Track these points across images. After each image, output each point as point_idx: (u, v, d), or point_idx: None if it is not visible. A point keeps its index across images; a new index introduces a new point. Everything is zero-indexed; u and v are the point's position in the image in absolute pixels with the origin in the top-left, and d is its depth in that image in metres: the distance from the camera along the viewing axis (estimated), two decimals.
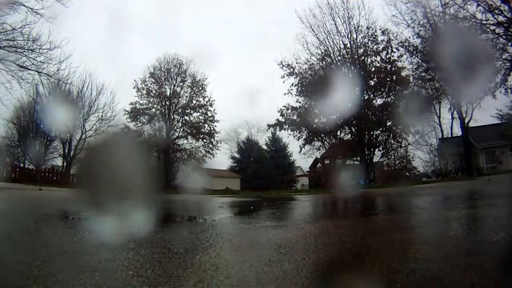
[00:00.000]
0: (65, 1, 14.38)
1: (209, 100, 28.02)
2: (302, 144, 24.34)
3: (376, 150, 23.01)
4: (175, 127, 27.58)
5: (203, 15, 56.90)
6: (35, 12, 13.83)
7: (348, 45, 22.58)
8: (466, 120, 20.45)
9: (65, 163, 23.58)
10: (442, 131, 26.67)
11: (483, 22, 17.80)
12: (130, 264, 1.97)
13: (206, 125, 27.97)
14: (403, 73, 21.97)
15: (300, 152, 25.58)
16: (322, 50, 22.89)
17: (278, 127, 24.16)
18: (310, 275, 1.79)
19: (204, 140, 27.86)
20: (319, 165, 27.28)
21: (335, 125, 21.36)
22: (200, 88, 28.00)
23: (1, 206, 5.52)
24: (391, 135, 22.70)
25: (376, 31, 22.20)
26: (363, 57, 22.25)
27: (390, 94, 22.12)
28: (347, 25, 22.48)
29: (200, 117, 27.92)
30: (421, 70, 21.55)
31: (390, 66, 21.89)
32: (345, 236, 2.79)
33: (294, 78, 23.25)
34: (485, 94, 19.46)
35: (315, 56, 23.06)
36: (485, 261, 1.85)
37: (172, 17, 54.52)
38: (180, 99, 27.58)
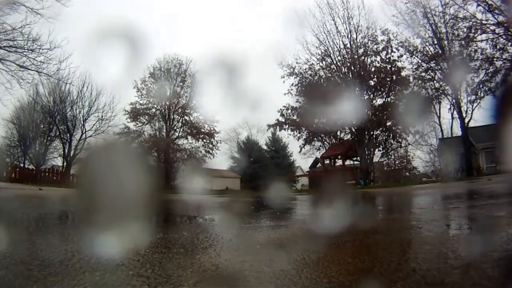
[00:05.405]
0: (65, 1, 14.40)
1: None
2: (302, 144, 24.37)
3: (376, 150, 23.02)
4: (175, 127, 27.56)
5: (203, 15, 56.82)
6: (35, 12, 13.86)
7: (348, 45, 22.57)
8: (466, 120, 20.44)
9: (65, 163, 23.57)
10: (442, 131, 26.64)
11: (483, 22, 17.83)
12: (130, 264, 1.97)
13: (206, 125, 27.94)
14: (403, 73, 22.00)
15: (300, 152, 25.62)
16: (322, 50, 22.89)
17: (278, 127, 24.18)
18: (310, 275, 1.79)
19: (204, 140, 27.82)
20: (319, 165, 27.27)
21: (335, 125, 21.37)
22: (200, 88, 27.97)
23: (1, 206, 5.51)
24: (391, 135, 22.71)
25: (376, 31, 22.22)
26: (363, 57, 22.24)
27: (390, 94, 22.13)
28: (347, 25, 22.49)
29: (200, 117, 27.88)
30: (421, 70, 21.57)
31: (390, 66, 21.89)
32: (345, 236, 2.78)
33: (294, 78, 23.26)
34: (485, 94, 19.49)
35: (315, 56, 23.06)
36: (485, 260, 1.85)
37: (172, 17, 54.46)
38: (180, 99, 27.55)
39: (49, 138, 23.68)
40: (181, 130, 27.73)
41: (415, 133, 22.53)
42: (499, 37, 17.89)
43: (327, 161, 24.87)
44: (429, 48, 21.29)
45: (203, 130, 27.73)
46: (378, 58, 22.21)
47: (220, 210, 6.33)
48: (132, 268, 1.90)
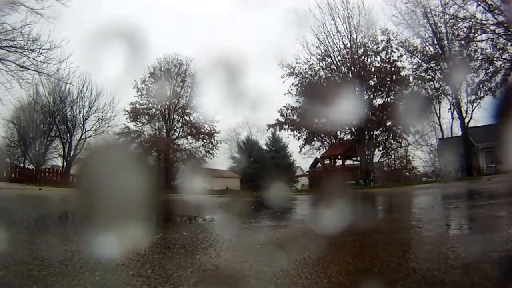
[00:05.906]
0: (65, 1, 14.40)
1: None
2: (302, 144, 24.36)
3: (376, 150, 23.01)
4: (175, 127, 27.56)
5: (203, 15, 56.82)
6: (35, 12, 13.85)
7: (348, 45, 22.55)
8: (466, 120, 20.43)
9: (65, 163, 23.59)
10: (442, 131, 26.63)
11: (483, 22, 17.83)
12: (130, 264, 1.97)
13: (206, 125, 27.93)
14: (403, 73, 21.99)
15: (300, 152, 25.59)
16: (322, 50, 22.86)
17: (278, 127, 24.16)
18: (310, 275, 1.79)
19: (204, 140, 27.82)
20: (319, 165, 27.27)
21: (335, 125, 21.36)
22: (200, 88, 27.94)
23: (1, 206, 5.51)
24: (391, 135, 22.71)
25: (376, 31, 22.20)
26: (363, 57, 22.23)
27: (390, 94, 22.12)
28: (347, 25, 22.47)
29: (200, 117, 27.87)
30: (421, 70, 21.57)
31: (390, 66, 21.88)
32: (345, 236, 2.78)
33: (294, 78, 23.25)
34: (485, 94, 19.50)
35: (315, 56, 23.04)
36: (485, 260, 1.85)
37: (172, 17, 54.47)
38: (180, 99, 27.55)
39: (49, 138, 23.71)
40: (181, 130, 27.74)
41: (415, 133, 22.56)
42: (499, 37, 17.90)
43: (327, 161, 24.86)
44: (429, 48, 21.31)
45: (203, 130, 27.73)
46: (378, 58, 22.21)
47: (220, 210, 6.33)
48: (132, 268, 1.91)
